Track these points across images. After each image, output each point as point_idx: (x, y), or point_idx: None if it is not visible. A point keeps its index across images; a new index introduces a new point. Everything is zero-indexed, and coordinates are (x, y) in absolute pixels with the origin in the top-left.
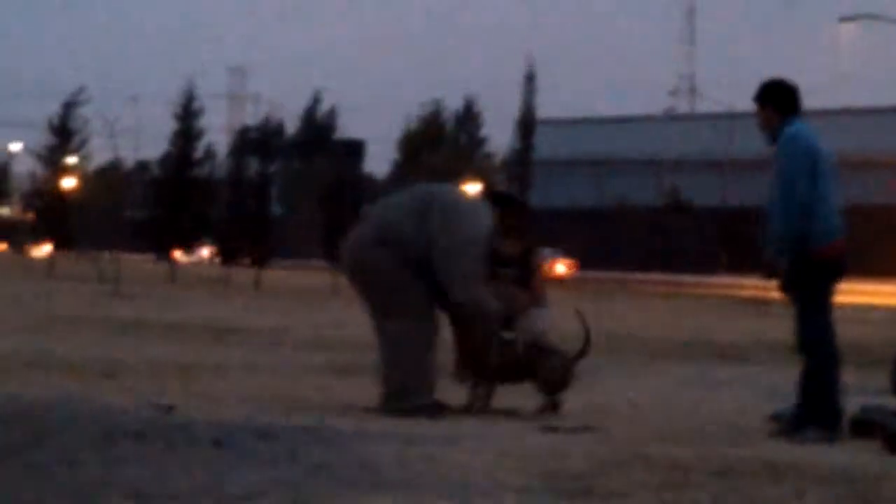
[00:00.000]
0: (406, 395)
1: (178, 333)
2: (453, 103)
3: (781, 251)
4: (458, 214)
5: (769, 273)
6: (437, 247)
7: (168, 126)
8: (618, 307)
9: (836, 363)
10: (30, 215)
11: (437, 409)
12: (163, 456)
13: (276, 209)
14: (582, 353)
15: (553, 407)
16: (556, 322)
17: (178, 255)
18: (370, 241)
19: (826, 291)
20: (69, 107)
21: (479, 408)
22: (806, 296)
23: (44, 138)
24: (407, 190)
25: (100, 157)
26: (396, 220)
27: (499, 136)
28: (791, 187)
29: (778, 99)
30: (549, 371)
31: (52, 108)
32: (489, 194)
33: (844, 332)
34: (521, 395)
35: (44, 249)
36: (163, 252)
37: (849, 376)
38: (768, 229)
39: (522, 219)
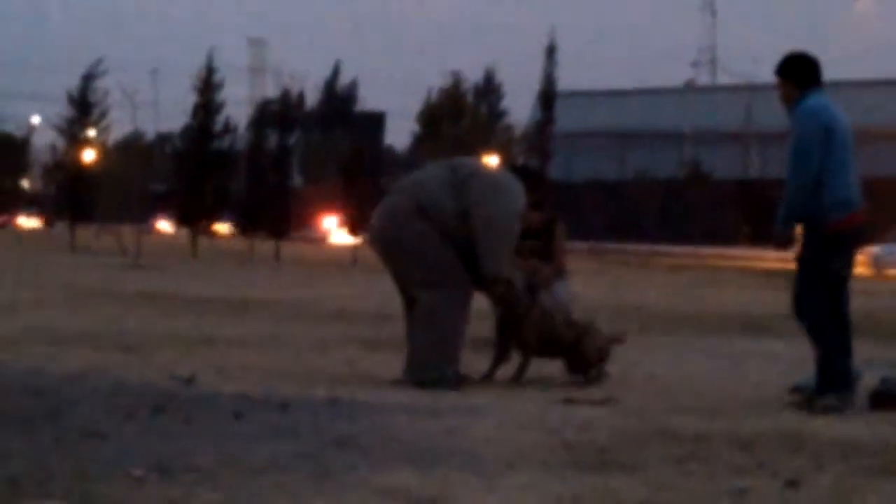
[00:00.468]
0: (431, 365)
1: (198, 306)
2: (474, 75)
3: (790, 222)
4: (499, 188)
5: (781, 243)
6: (478, 215)
7: (188, 99)
8: (638, 279)
9: (845, 329)
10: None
11: (460, 381)
12: (183, 428)
13: (296, 181)
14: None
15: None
16: (577, 293)
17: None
18: (410, 213)
19: (836, 265)
20: (88, 79)
21: (514, 378)
22: (812, 265)
23: (64, 111)
24: (443, 162)
25: (120, 129)
26: (437, 193)
27: (519, 109)
28: (803, 160)
29: (799, 73)
30: (587, 350)
31: (72, 81)
32: (511, 169)
33: (863, 305)
34: (543, 367)
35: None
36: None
37: (868, 349)
38: (781, 201)
39: (543, 192)
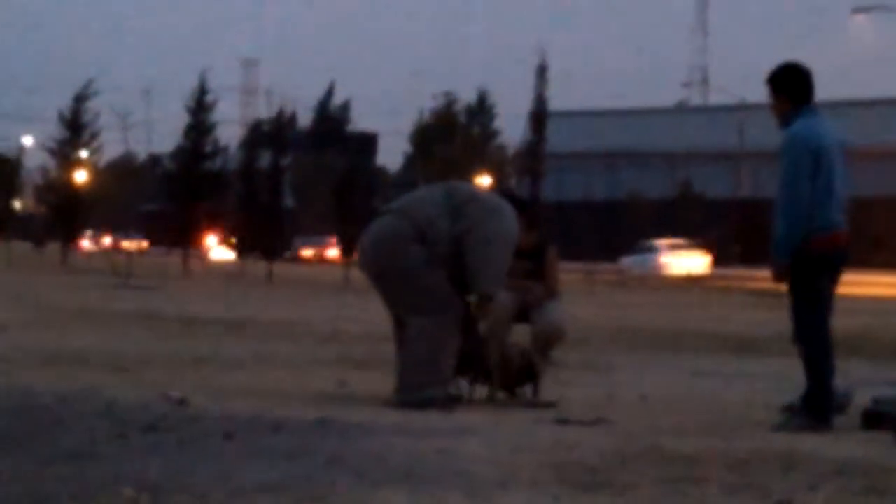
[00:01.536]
0: (421, 387)
1: (191, 326)
2: (466, 96)
3: (785, 253)
4: (497, 212)
5: (778, 275)
6: (478, 236)
7: (181, 119)
8: (631, 298)
9: (830, 353)
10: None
11: (452, 403)
12: (175, 449)
13: (288, 202)
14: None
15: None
16: (569, 314)
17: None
18: (406, 236)
19: (825, 283)
20: (80, 100)
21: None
22: (803, 286)
23: (55, 132)
24: (438, 186)
25: (112, 150)
26: (434, 216)
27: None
28: (792, 189)
29: (791, 87)
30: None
31: (64, 102)
32: (502, 196)
33: (856, 324)
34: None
35: None
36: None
37: (861, 368)
38: (773, 230)
39: (530, 216)
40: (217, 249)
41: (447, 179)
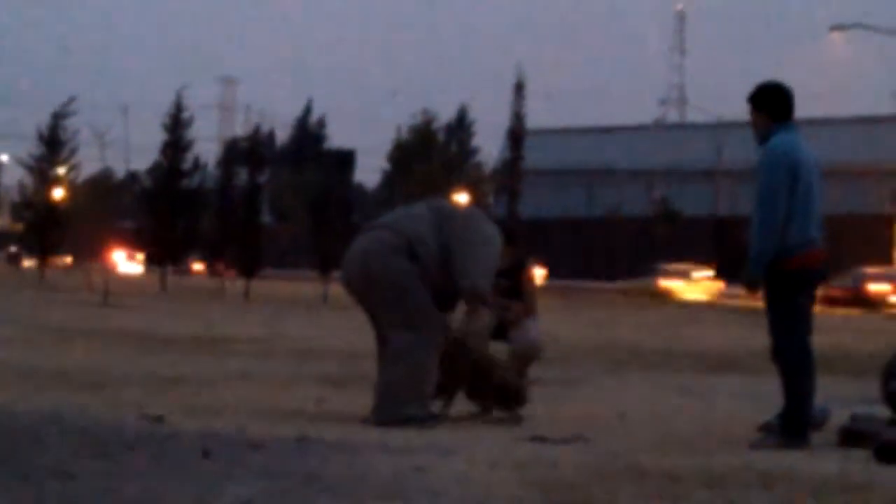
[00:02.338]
0: (402, 405)
1: (168, 344)
2: (443, 113)
3: (759, 266)
4: (482, 221)
5: (751, 287)
6: (461, 238)
7: (158, 137)
8: (608, 316)
9: (808, 372)
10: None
11: (430, 420)
12: (153, 467)
13: (266, 219)
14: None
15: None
16: (546, 332)
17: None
18: (398, 250)
19: (801, 300)
20: (58, 117)
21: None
22: (780, 304)
23: (33, 149)
24: (422, 203)
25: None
26: (423, 234)
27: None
28: (769, 206)
29: (771, 104)
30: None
31: (42, 119)
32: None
33: (834, 341)
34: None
35: None
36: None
37: (839, 385)
38: (748, 243)
39: (509, 235)
40: (125, 264)
41: (426, 197)
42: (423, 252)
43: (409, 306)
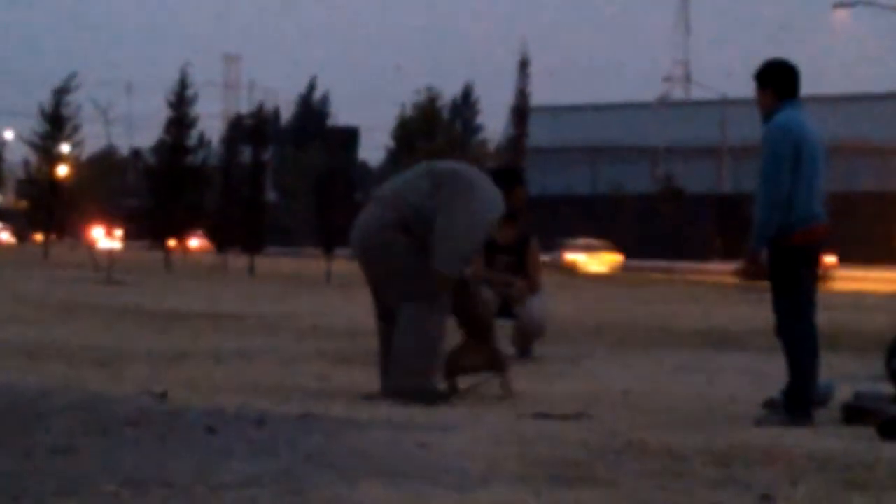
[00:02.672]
0: (410, 375)
1: (172, 321)
2: (448, 90)
3: (762, 240)
4: (469, 190)
5: (752, 261)
6: (443, 215)
7: (162, 114)
8: (612, 294)
9: (813, 349)
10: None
11: (438, 396)
12: (157, 443)
13: (270, 196)
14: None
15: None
16: (551, 308)
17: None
18: (391, 224)
19: (804, 276)
20: (61, 93)
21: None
22: (785, 280)
23: (36, 126)
24: (422, 169)
25: (93, 144)
26: (418, 204)
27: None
28: (773, 178)
29: (777, 81)
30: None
31: (45, 96)
32: (492, 173)
33: (837, 318)
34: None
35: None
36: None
37: (843, 363)
38: (753, 219)
39: (522, 193)
40: (104, 240)
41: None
42: (418, 223)
43: (409, 278)
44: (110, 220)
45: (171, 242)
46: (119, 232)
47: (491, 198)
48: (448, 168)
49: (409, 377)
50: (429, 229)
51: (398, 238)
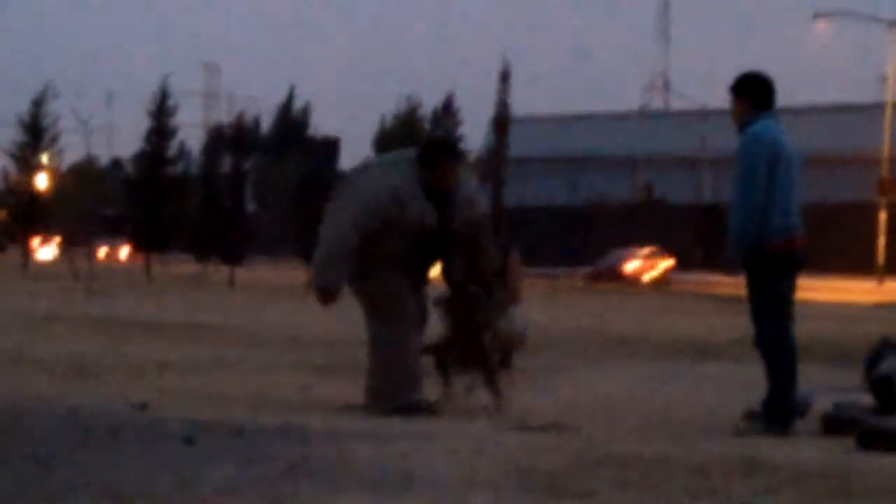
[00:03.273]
0: (386, 395)
1: (153, 331)
2: (429, 100)
3: (738, 248)
4: (350, 193)
5: (730, 269)
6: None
7: (142, 123)
8: (593, 303)
9: (791, 360)
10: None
11: (417, 408)
12: (136, 454)
13: (250, 206)
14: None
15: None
16: (532, 319)
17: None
18: None
19: (782, 287)
20: (39, 103)
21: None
22: (761, 291)
23: (15, 135)
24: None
25: (73, 154)
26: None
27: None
28: (749, 187)
29: (754, 92)
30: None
31: (25, 105)
32: (421, 148)
33: (816, 329)
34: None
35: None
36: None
37: (822, 373)
38: (728, 227)
39: (453, 163)
40: (42, 250)
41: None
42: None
43: (362, 293)
44: (86, 232)
45: (101, 252)
46: (56, 240)
47: (367, 193)
48: (351, 171)
49: (374, 399)
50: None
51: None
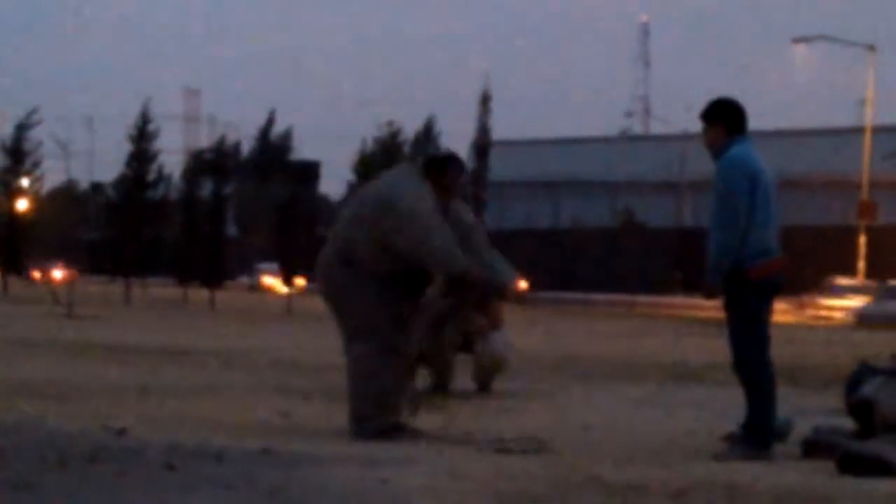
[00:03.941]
0: (367, 419)
1: (133, 356)
2: (409, 124)
3: (718, 273)
4: (392, 199)
5: (709, 294)
6: (403, 238)
7: (123, 148)
8: (573, 328)
9: (770, 383)
10: None
11: (397, 432)
12: (116, 480)
13: (231, 230)
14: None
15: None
16: (512, 343)
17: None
18: (334, 261)
19: (760, 310)
20: (22, 129)
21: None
22: (740, 314)
23: None
24: (357, 194)
25: (54, 179)
26: (353, 234)
27: None
28: (730, 212)
29: (728, 118)
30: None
31: (5, 131)
32: (422, 165)
33: (796, 352)
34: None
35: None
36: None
37: (802, 397)
38: (707, 251)
39: (454, 175)
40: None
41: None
42: (356, 253)
43: (353, 317)
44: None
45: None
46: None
47: (410, 190)
48: (371, 189)
49: (355, 422)
50: (367, 256)
51: (338, 273)
